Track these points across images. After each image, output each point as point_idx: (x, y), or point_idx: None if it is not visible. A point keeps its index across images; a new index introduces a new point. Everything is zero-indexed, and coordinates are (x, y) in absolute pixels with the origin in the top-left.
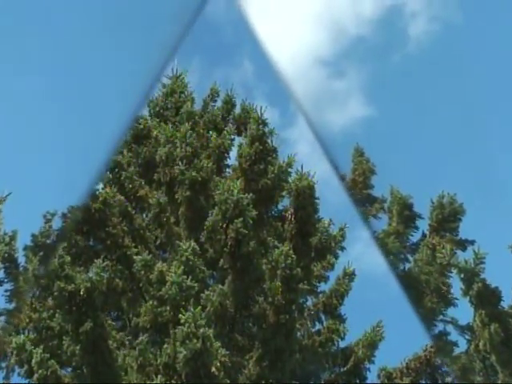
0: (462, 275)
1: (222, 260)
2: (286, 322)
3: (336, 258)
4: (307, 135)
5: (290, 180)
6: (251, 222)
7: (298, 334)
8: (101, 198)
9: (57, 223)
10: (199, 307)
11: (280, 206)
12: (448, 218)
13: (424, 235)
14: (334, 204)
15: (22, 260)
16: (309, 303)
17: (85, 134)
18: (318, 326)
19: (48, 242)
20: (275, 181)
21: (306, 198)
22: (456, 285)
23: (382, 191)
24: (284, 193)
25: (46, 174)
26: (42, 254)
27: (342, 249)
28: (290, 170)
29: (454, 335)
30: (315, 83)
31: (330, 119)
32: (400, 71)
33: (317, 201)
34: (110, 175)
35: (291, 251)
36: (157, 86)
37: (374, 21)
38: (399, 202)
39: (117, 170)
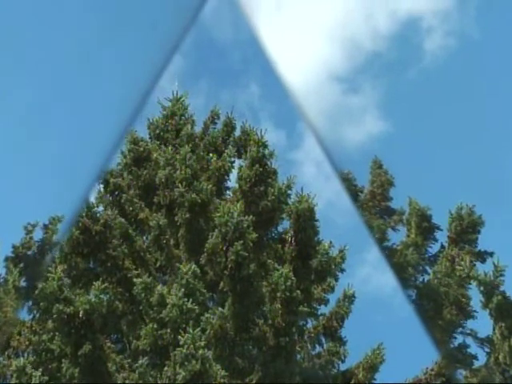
0: (482, 287)
1: (222, 282)
2: (286, 344)
3: (336, 280)
4: (313, 156)
5: (289, 202)
6: (251, 244)
7: (298, 356)
8: (101, 221)
9: (38, 234)
10: (198, 328)
11: (280, 228)
12: (467, 229)
13: (443, 247)
14: (341, 226)
15: (1, 271)
16: (309, 325)
17: (72, 145)
18: (318, 349)
19: (29, 253)
20: (275, 203)
21: (306, 220)
22: (475, 297)
23: (401, 203)
24: (284, 215)
25: (29, 184)
26: (22, 265)
27: (342, 271)
28: (289, 191)
29: (474, 348)
30: (330, 99)
31: (346, 135)
32: (416, 86)
33: (317, 223)
34: (111, 198)
35: (291, 273)
36: (148, 99)
37: (390, 36)
38: (417, 213)
39: (117, 192)
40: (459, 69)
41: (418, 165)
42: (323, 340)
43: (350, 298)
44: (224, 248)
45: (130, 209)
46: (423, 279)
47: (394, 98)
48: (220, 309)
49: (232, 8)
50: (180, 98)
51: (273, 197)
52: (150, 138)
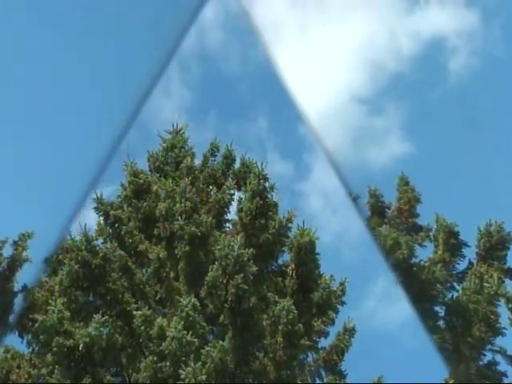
0: (510, 305)
1: (222, 316)
2: (286, 378)
3: (336, 313)
4: (321, 187)
5: (290, 235)
6: (252, 277)
7: None
8: (101, 254)
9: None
10: (200, 363)
11: (280, 261)
12: (496, 246)
13: (471, 263)
14: (347, 258)
15: None
16: (309, 359)
17: (57, 160)
18: (318, 382)
19: None
20: (276, 236)
21: (307, 253)
22: (504, 314)
23: (428, 219)
24: (285, 248)
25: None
26: None
27: (343, 303)
28: (290, 224)
29: (503, 365)
30: (354, 121)
31: (370, 156)
32: (440, 106)
33: (318, 256)
34: (110, 230)
35: (293, 307)
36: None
37: (413, 57)
38: (445, 230)
39: (117, 224)
40: (484, 88)
41: (444, 182)
42: (323, 374)
43: (350, 331)
44: (224, 281)
45: (130, 241)
46: (452, 296)
47: (418, 118)
48: (220, 342)
49: (240, 40)
50: (180, 130)
51: (273, 230)
52: (150, 170)
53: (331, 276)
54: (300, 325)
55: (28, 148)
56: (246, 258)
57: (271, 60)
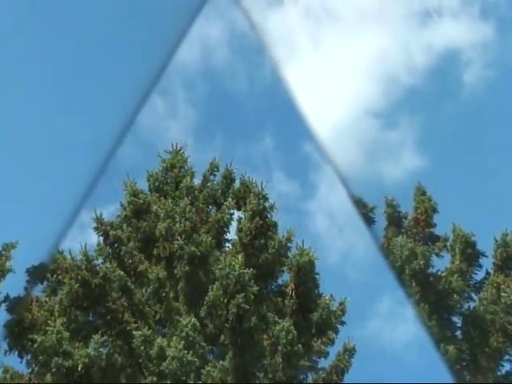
0: None
1: (222, 335)
2: None
3: (336, 333)
4: (326, 207)
5: (290, 254)
6: (252, 297)
7: None
8: (101, 273)
9: None
10: (200, 382)
11: (280, 281)
12: None
13: (488, 273)
14: (353, 278)
15: None
16: (309, 379)
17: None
18: None
19: None
20: (275, 256)
21: (306, 273)
22: None
23: (445, 229)
24: (284, 268)
25: None
26: None
27: (343, 323)
28: (289, 244)
29: None
30: (367, 135)
31: (384, 170)
32: (454, 119)
33: (318, 276)
34: (110, 250)
35: (292, 327)
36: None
37: (427, 70)
38: (462, 240)
39: (116, 244)
40: (499, 100)
41: (459, 193)
42: None
43: (350, 352)
44: (225, 301)
45: (130, 261)
46: (469, 306)
47: (432, 132)
48: (221, 362)
49: (246, 58)
50: (179, 150)
51: (273, 250)
52: (150, 190)
53: (331, 296)
54: (299, 345)
55: (18, 160)
56: (246, 278)
57: (280, 76)
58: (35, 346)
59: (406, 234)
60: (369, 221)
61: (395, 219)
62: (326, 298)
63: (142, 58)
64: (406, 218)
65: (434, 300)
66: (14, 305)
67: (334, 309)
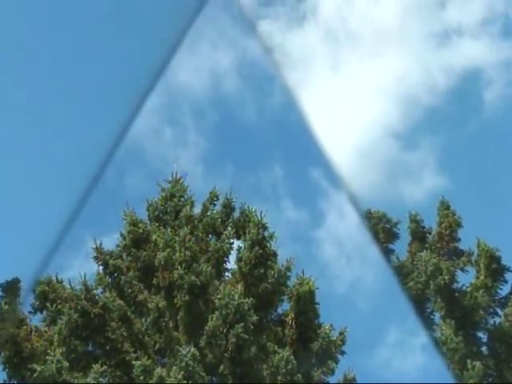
0: None
1: (222, 365)
2: None
3: (336, 362)
4: (335, 235)
5: (289, 284)
6: (252, 327)
7: None
8: (100, 303)
9: None
10: None
11: (279, 310)
12: None
13: None
14: (361, 307)
15: None
16: None
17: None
18: None
19: None
20: (275, 285)
21: (306, 302)
22: None
23: (469, 244)
24: (284, 297)
25: None
26: None
27: (343, 353)
28: (289, 273)
29: None
30: (388, 156)
31: (404, 191)
32: (475, 138)
33: (318, 306)
34: (110, 279)
35: (292, 357)
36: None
37: (447, 90)
38: (486, 254)
39: (116, 274)
40: None
41: (483, 209)
42: None
43: (350, 382)
44: (224, 330)
45: (129, 291)
46: (494, 322)
47: (453, 152)
48: None
49: (254, 87)
50: (179, 179)
51: (272, 279)
52: (149, 219)
53: (331, 325)
54: (299, 375)
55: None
56: (246, 307)
57: (293, 100)
58: (35, 375)
59: (430, 248)
60: (391, 237)
61: (419, 234)
62: (326, 327)
63: (140, 75)
64: (430, 233)
65: (459, 316)
66: None
67: (334, 338)
